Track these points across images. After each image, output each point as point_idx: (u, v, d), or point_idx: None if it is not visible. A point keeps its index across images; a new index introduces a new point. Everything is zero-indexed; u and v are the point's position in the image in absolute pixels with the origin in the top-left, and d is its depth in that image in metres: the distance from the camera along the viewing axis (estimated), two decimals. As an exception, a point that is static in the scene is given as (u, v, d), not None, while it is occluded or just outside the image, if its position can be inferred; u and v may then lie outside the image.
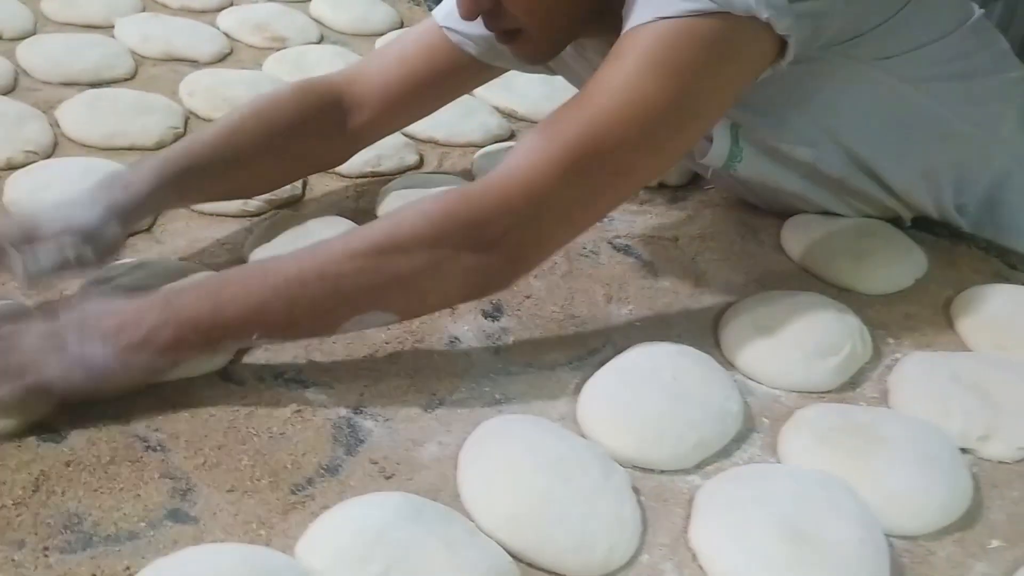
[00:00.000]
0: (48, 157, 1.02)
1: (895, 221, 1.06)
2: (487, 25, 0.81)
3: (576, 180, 0.69)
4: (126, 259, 0.86)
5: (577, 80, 1.06)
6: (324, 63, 1.36)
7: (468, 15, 0.80)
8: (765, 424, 0.78)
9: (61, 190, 0.92)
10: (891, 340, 0.90)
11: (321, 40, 1.50)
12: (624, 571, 0.63)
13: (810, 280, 0.98)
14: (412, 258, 0.68)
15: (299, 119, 0.91)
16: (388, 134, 1.04)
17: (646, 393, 0.75)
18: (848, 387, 0.83)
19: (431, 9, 1.69)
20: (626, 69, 0.70)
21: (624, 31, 0.71)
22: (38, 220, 0.76)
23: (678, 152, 0.72)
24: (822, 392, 0.82)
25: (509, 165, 0.72)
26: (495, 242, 0.68)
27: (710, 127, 0.71)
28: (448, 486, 0.68)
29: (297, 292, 0.69)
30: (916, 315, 0.94)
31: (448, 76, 0.98)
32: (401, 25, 1.61)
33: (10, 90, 1.16)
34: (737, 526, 0.64)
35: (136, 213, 0.82)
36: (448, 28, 0.95)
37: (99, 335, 0.66)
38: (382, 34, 1.54)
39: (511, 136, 1.24)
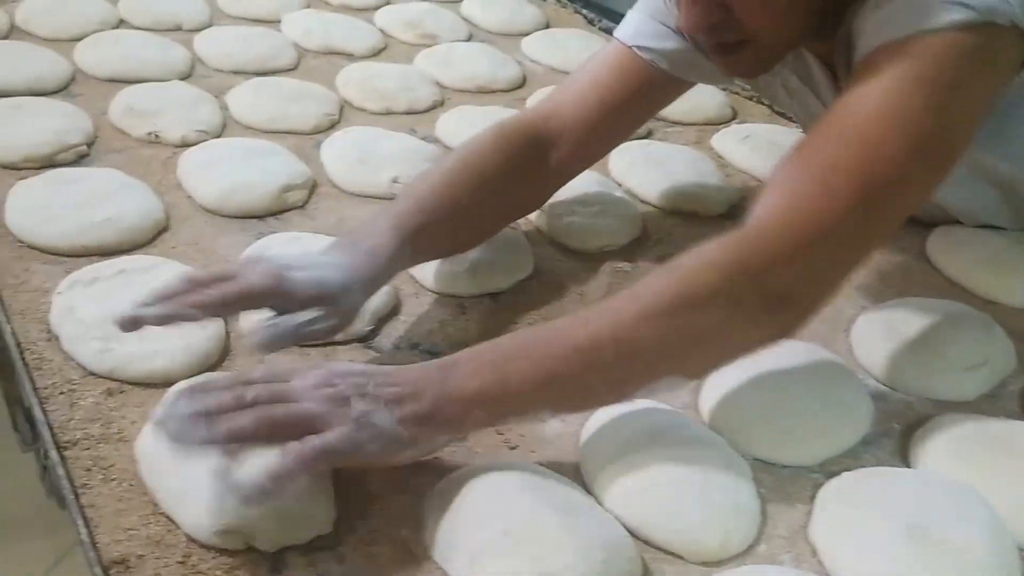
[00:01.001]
0: (217, 137, 1.11)
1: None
2: (708, 37, 0.77)
3: (863, 213, 0.65)
4: (281, 232, 0.93)
5: (770, 96, 1.05)
6: (471, 60, 1.42)
7: (694, 28, 0.76)
8: (896, 429, 0.77)
9: (227, 166, 1.01)
10: (1038, 355, 0.86)
11: (470, 38, 1.56)
12: (740, 559, 0.64)
13: (953, 290, 0.96)
14: (709, 315, 0.63)
15: (506, 166, 0.87)
16: (587, 166, 0.99)
17: (770, 388, 0.74)
18: (988, 399, 0.81)
19: (577, 11, 1.74)
20: (892, 89, 0.66)
21: (877, 45, 0.68)
22: (292, 280, 0.69)
23: (948, 170, 0.68)
24: (959, 402, 0.80)
25: (788, 205, 0.66)
26: (789, 287, 0.64)
27: (972, 141, 0.68)
28: (569, 461, 0.70)
29: (589, 360, 0.63)
30: (1067, 331, 0.90)
31: (643, 95, 0.95)
32: (547, 25, 1.65)
33: (187, 76, 1.27)
34: (860, 524, 0.64)
35: (377, 282, 0.77)
36: (639, 47, 0.93)
37: (381, 402, 0.60)
38: (527, 34, 1.59)
39: (648, 134, 1.25)
